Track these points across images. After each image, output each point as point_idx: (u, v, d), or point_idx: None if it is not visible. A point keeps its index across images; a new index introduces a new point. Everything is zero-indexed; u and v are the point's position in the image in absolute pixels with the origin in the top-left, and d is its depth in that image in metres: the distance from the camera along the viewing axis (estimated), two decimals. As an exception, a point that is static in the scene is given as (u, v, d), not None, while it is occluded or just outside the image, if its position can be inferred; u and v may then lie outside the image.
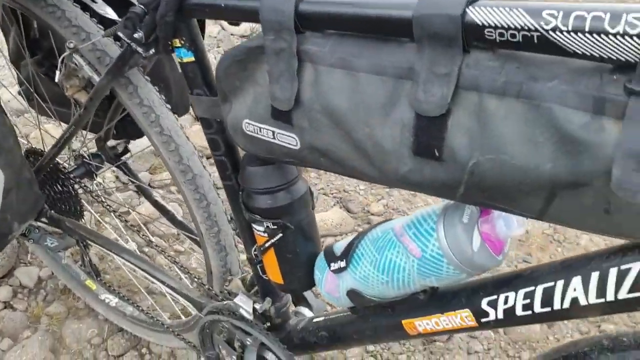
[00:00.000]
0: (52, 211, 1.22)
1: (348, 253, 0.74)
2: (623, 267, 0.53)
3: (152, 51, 0.75)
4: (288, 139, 0.64)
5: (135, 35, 0.73)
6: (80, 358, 1.44)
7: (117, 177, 2.03)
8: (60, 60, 0.88)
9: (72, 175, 1.17)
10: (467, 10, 0.47)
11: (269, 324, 0.97)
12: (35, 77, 1.17)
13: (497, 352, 1.51)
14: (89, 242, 1.20)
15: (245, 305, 0.92)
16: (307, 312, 1.02)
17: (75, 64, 0.89)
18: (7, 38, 1.22)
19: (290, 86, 0.60)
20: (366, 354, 1.48)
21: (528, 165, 0.48)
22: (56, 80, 0.90)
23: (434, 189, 0.55)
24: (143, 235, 1.02)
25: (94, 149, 1.39)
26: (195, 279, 0.99)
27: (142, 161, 2.17)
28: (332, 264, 0.76)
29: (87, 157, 1.28)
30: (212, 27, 3.35)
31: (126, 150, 1.36)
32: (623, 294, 0.53)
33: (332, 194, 2.09)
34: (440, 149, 0.52)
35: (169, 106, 0.92)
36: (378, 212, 2.00)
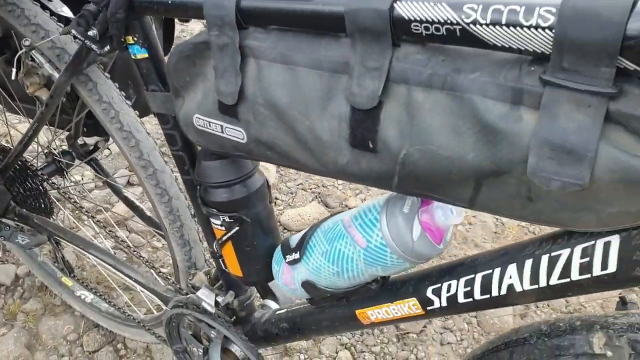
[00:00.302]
0: (22, 208, 1.22)
1: (302, 245, 0.75)
2: (554, 254, 0.55)
3: (107, 48, 0.76)
4: (235, 133, 0.65)
5: (90, 33, 0.74)
6: (55, 354, 1.45)
7: (96, 175, 2.03)
8: (16, 58, 0.88)
9: (40, 173, 1.17)
10: (394, 4, 0.48)
11: (234, 317, 0.99)
12: (3, 76, 1.17)
13: (469, 342, 1.53)
14: (58, 238, 1.20)
15: (207, 298, 0.93)
16: (273, 304, 1.03)
17: (36, 62, 0.90)
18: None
19: (235, 81, 0.61)
20: (340, 346, 1.49)
21: (453, 155, 0.49)
22: (13, 78, 0.90)
23: (371, 180, 0.57)
24: (110, 231, 1.02)
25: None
26: (159, 273, 1.00)
27: (121, 158, 2.17)
28: (287, 256, 0.78)
29: (57, 155, 1.28)
30: (194, 25, 3.35)
31: (96, 148, 1.37)
32: (554, 280, 0.55)
33: (310, 188, 2.10)
34: (374, 141, 0.53)
35: (129, 102, 0.93)
36: (356, 206, 2.01)
